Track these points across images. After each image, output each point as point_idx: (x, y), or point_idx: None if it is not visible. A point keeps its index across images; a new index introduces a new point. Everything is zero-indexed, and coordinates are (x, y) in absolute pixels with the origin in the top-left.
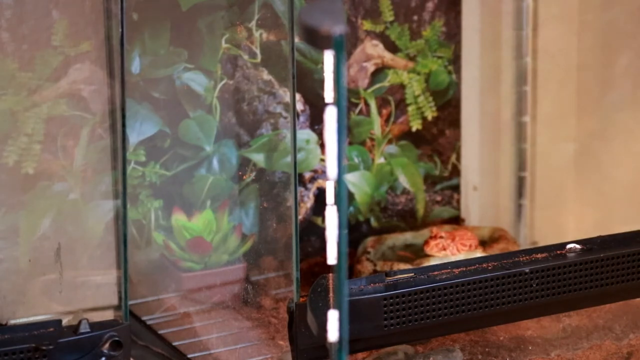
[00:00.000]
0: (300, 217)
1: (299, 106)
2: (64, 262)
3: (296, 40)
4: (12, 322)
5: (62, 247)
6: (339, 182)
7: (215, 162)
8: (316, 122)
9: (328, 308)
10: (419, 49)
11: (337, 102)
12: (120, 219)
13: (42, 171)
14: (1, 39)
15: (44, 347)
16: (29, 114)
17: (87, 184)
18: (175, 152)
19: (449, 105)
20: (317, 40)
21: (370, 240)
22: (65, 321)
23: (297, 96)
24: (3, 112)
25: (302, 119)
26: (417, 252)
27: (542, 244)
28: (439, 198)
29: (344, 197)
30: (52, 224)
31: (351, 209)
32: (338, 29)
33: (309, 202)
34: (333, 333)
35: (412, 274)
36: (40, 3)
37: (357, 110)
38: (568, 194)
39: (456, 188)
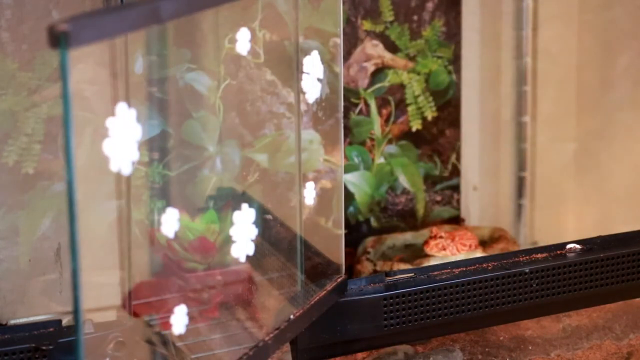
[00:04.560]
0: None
1: (302, 106)
2: (64, 262)
3: (300, 40)
4: (12, 322)
5: (62, 247)
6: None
7: (218, 163)
8: (319, 123)
9: None
10: (419, 49)
11: (64, 105)
12: (124, 219)
13: (42, 171)
14: (1, 39)
15: (44, 347)
16: (29, 114)
17: (88, 184)
18: (178, 153)
19: (449, 105)
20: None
21: (370, 240)
22: (65, 321)
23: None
24: (3, 112)
25: (305, 119)
26: (417, 252)
27: (542, 244)
28: (439, 198)
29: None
30: (52, 224)
31: (351, 209)
32: (63, 26)
33: (312, 202)
34: None
35: (412, 274)
36: (40, 3)
37: (357, 110)
38: (568, 194)
39: (456, 188)
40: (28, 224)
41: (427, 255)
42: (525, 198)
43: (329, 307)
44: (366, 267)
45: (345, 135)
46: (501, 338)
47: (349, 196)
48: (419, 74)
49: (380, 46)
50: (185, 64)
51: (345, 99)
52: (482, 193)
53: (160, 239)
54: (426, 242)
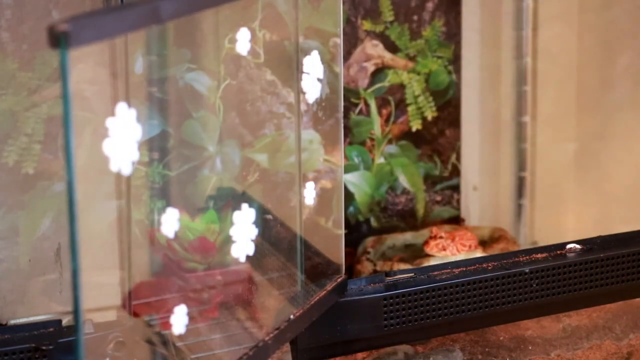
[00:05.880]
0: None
1: (302, 106)
2: (64, 262)
3: (300, 40)
4: (12, 322)
5: (62, 247)
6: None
7: (218, 163)
8: (319, 123)
9: None
10: (419, 49)
11: (64, 105)
12: (124, 219)
13: (42, 171)
14: (1, 39)
15: (44, 347)
16: (29, 114)
17: (88, 184)
18: (178, 153)
19: (449, 105)
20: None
21: (370, 240)
22: (65, 321)
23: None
24: (3, 112)
25: (305, 119)
26: (417, 252)
27: (542, 244)
28: (439, 198)
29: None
30: (52, 224)
31: (351, 209)
32: (63, 26)
33: (312, 202)
34: None
35: (412, 274)
36: (40, 3)
37: (357, 110)
38: (568, 194)
39: (456, 188)
40: (28, 224)
41: (427, 255)
42: (525, 198)
43: (329, 307)
44: (366, 267)
45: (345, 135)
46: (501, 338)
47: (349, 196)
48: (419, 74)
49: (380, 46)
50: (185, 64)
51: (345, 99)
52: (482, 193)
53: (160, 239)
54: (426, 242)
